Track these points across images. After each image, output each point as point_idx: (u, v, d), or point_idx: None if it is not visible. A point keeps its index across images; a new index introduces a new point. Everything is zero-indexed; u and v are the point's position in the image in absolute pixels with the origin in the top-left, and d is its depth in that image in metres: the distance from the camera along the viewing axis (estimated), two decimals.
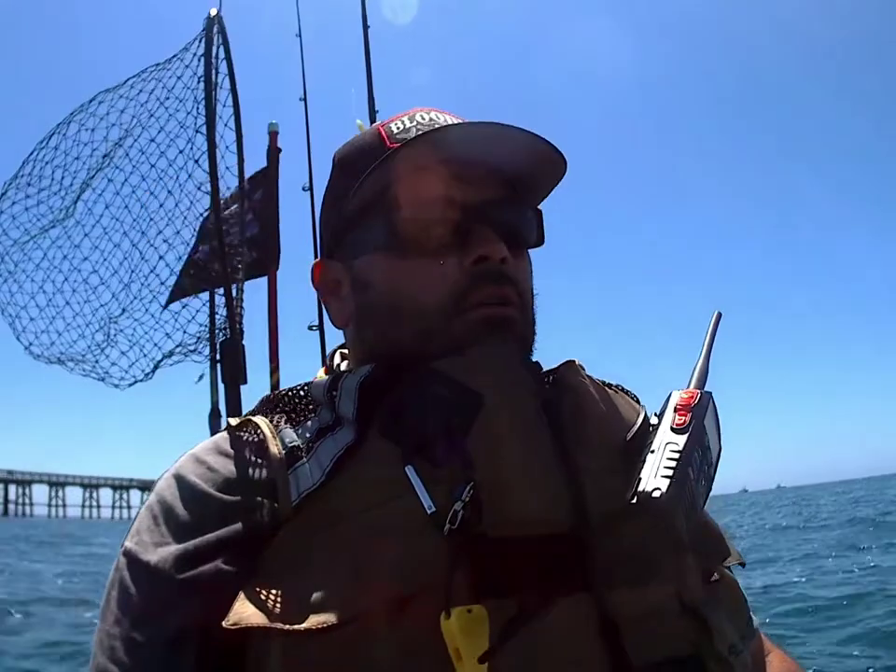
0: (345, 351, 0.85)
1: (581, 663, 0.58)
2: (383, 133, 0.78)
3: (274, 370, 2.41)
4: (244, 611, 0.58)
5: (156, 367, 2.75)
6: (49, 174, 2.79)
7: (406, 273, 0.73)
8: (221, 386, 2.39)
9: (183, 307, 2.62)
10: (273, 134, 2.99)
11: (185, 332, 2.55)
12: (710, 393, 0.68)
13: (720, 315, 0.76)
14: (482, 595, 0.57)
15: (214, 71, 2.90)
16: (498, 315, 0.72)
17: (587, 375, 0.75)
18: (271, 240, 2.73)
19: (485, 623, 0.56)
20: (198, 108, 2.56)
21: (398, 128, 0.77)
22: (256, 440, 0.68)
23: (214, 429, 2.35)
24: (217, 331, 2.53)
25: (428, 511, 0.59)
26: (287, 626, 0.56)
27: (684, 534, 0.60)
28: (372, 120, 3.03)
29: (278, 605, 0.58)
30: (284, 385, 0.81)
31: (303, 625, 0.56)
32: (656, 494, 0.58)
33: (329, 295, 0.82)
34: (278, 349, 2.46)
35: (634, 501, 0.59)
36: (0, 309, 2.95)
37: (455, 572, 0.57)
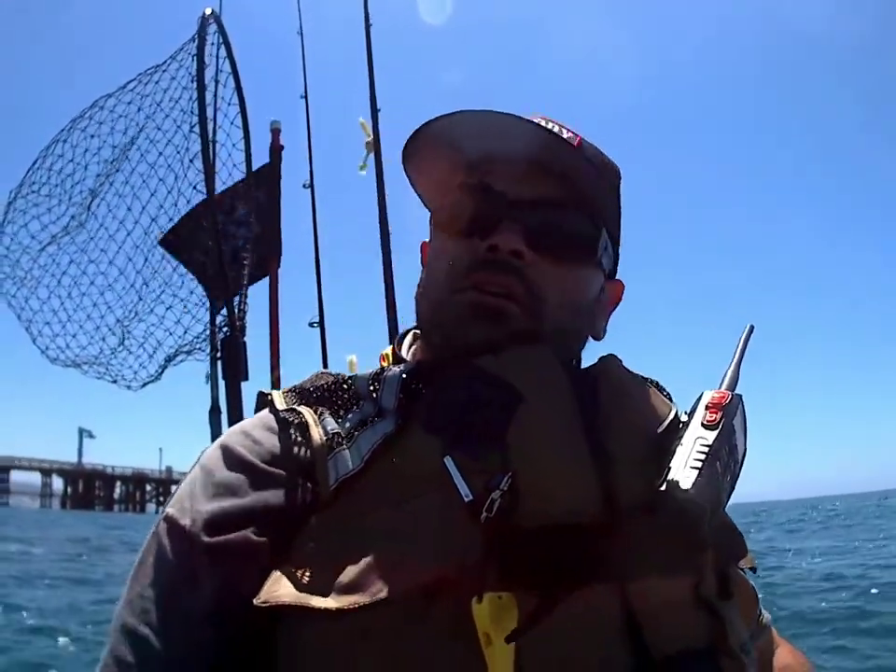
0: (418, 331, 0.87)
1: (602, 652, 0.58)
2: None
3: (275, 366, 2.41)
4: (275, 589, 0.59)
5: (164, 367, 2.79)
6: (55, 181, 2.85)
7: (441, 250, 0.79)
8: (222, 383, 2.40)
9: (186, 311, 2.64)
10: (276, 132, 3.00)
11: (186, 331, 2.57)
12: (740, 395, 0.70)
13: (752, 328, 0.79)
14: (512, 583, 0.58)
15: (217, 70, 2.93)
16: (489, 304, 0.73)
17: (625, 369, 0.76)
18: (273, 237, 2.74)
19: (514, 610, 0.57)
20: (193, 109, 2.58)
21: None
22: (299, 423, 0.70)
23: (214, 427, 2.37)
24: (218, 329, 2.54)
25: (465, 500, 0.60)
26: (319, 605, 0.57)
27: (707, 527, 0.62)
28: (374, 119, 3.01)
29: (310, 584, 0.59)
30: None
31: (335, 605, 0.57)
32: (684, 484, 0.59)
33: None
34: (279, 346, 2.46)
35: (662, 489, 0.60)
36: (16, 315, 3.02)
37: (488, 559, 0.58)
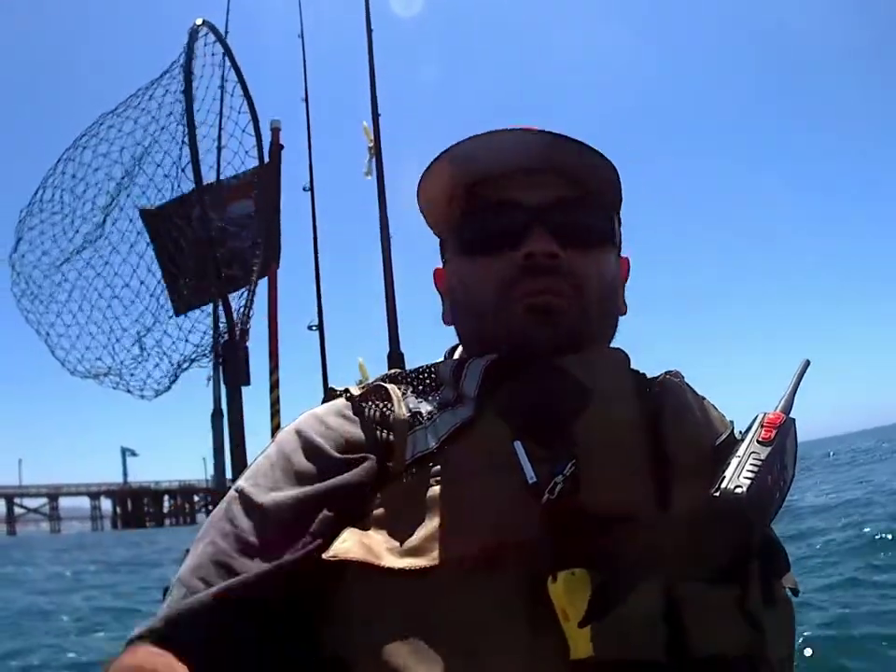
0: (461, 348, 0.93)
1: (647, 643, 0.61)
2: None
3: (274, 369, 2.44)
4: (344, 547, 0.63)
5: (175, 376, 2.84)
6: (67, 199, 2.92)
7: (472, 272, 0.82)
8: (224, 387, 2.43)
9: (187, 319, 2.68)
10: (276, 131, 3.02)
11: (188, 342, 2.61)
12: (794, 419, 0.72)
13: (808, 363, 0.82)
14: (568, 562, 0.60)
15: (223, 79, 2.97)
16: (541, 303, 0.77)
17: (688, 384, 0.80)
18: (272, 239, 2.77)
19: (587, 587, 0.59)
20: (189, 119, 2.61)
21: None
22: (381, 401, 0.75)
23: (216, 430, 2.41)
24: (221, 335, 2.58)
25: (530, 482, 0.63)
26: (384, 564, 0.62)
27: (756, 537, 0.66)
28: (376, 123, 3.01)
29: (377, 546, 0.64)
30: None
31: (398, 565, 0.62)
32: (738, 491, 0.63)
33: (443, 297, 0.91)
34: (278, 348, 2.48)
35: (717, 495, 0.63)
36: (35, 329, 3.12)
37: (555, 538, 0.61)
